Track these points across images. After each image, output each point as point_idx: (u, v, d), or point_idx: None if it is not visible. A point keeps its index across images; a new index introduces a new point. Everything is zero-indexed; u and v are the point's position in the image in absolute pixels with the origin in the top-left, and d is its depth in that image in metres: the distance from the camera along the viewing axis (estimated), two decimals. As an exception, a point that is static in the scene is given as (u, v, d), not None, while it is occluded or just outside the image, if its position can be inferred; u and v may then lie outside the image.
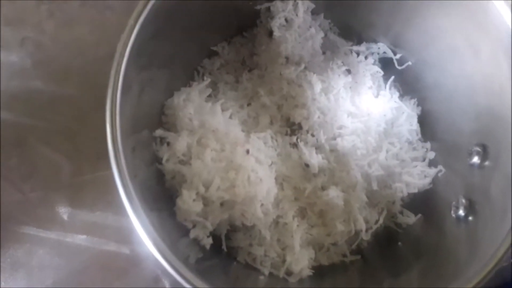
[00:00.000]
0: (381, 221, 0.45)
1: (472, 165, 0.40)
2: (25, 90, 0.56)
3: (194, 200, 0.39)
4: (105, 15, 0.59)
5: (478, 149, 0.40)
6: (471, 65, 0.41)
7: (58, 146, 0.54)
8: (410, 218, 0.45)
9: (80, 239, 0.52)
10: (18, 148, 0.54)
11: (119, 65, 0.35)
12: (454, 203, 0.40)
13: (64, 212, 0.52)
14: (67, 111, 0.55)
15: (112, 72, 0.36)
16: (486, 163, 0.39)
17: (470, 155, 0.40)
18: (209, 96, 0.47)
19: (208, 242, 0.39)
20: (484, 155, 0.39)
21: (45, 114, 0.55)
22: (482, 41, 0.39)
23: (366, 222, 0.45)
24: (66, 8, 0.59)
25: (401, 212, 0.46)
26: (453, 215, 0.40)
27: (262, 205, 0.41)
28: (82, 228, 0.52)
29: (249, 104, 0.48)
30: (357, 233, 0.45)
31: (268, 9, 0.47)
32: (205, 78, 0.48)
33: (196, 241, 0.39)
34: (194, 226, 0.40)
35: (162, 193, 0.42)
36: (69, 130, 0.54)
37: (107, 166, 0.52)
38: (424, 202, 0.46)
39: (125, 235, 0.51)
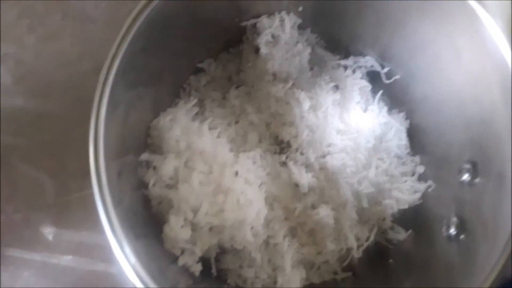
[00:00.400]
0: (372, 238, 0.45)
1: (463, 182, 0.40)
2: (6, 108, 0.55)
3: (182, 226, 0.38)
4: (87, 28, 0.58)
5: (468, 166, 0.39)
6: (460, 79, 0.41)
7: (42, 164, 0.53)
8: (400, 234, 0.45)
9: (66, 260, 0.51)
10: (0, 168, 0.53)
11: (105, 82, 0.34)
12: (445, 221, 0.40)
13: (49, 232, 0.51)
14: (50, 128, 0.54)
15: (98, 90, 0.34)
16: (477, 180, 0.39)
17: (460, 172, 0.40)
18: (196, 113, 0.46)
19: (197, 268, 0.39)
20: (474, 172, 0.39)
21: (28, 131, 0.54)
22: (471, 56, 0.39)
23: (357, 239, 0.45)
24: (47, 22, 0.58)
25: (392, 228, 0.46)
26: (444, 234, 0.40)
27: (252, 228, 0.40)
28: (68, 249, 0.51)
29: (237, 122, 0.47)
30: (348, 250, 0.45)
31: (254, 25, 0.46)
32: (191, 95, 0.47)
33: (185, 267, 0.39)
34: (182, 253, 0.39)
35: (149, 219, 0.41)
36: (53, 147, 0.53)
37: (94, 184, 0.52)
38: (414, 218, 0.46)
39: (112, 255, 0.50)
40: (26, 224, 0.51)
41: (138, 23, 0.34)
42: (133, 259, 0.31)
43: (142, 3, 0.34)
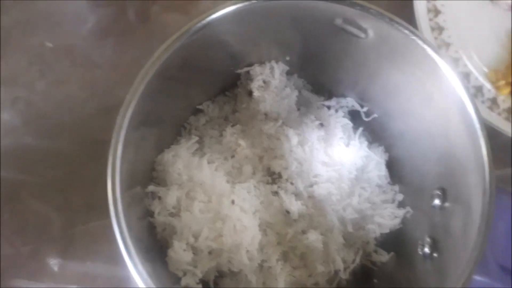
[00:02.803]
0: (357, 260, 0.49)
1: (434, 206, 0.45)
2: (17, 147, 0.59)
3: (184, 250, 0.42)
4: (94, 73, 0.63)
5: (438, 192, 0.45)
6: (430, 119, 0.46)
7: (50, 199, 0.56)
8: (383, 256, 0.49)
9: (71, 289, 0.53)
10: (10, 203, 0.56)
11: (120, 128, 0.38)
12: (420, 241, 0.45)
13: (55, 263, 0.54)
14: (58, 165, 0.58)
15: (114, 135, 0.38)
16: (446, 204, 0.44)
17: (432, 197, 0.45)
18: (196, 150, 0.51)
19: (198, 288, 0.43)
20: (444, 197, 0.44)
21: (37, 169, 0.58)
22: (438, 98, 0.44)
23: (344, 262, 0.48)
24: (57, 68, 0.63)
25: (376, 251, 0.50)
26: (420, 253, 0.44)
27: (247, 251, 0.44)
28: (73, 279, 0.53)
29: (233, 156, 0.52)
30: (336, 272, 0.49)
31: (248, 72, 0.52)
32: (191, 133, 0.52)
33: (187, 288, 0.43)
34: (184, 275, 0.43)
35: (154, 245, 0.45)
36: (60, 183, 0.57)
37: (97, 217, 0.55)
38: (395, 241, 0.50)
39: (115, 284, 0.53)
40: (34, 256, 0.54)
41: (149, 75, 0.39)
42: (147, 279, 0.35)
43: (152, 59, 0.39)
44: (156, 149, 0.49)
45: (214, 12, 0.39)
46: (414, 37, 0.41)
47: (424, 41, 0.41)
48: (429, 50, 0.41)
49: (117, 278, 0.54)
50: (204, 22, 0.39)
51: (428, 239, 0.44)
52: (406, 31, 0.41)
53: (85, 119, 0.60)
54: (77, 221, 0.56)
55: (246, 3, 0.40)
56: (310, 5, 0.42)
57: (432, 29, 0.65)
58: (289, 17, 0.44)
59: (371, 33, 0.43)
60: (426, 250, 0.44)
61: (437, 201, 0.44)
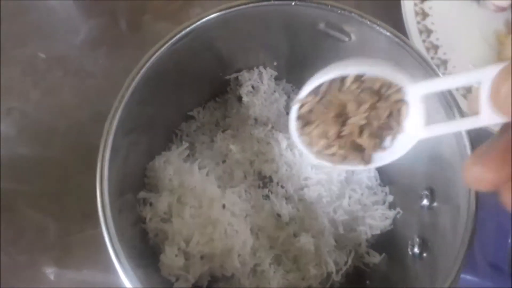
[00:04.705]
0: (349, 262, 0.49)
1: (423, 206, 0.45)
2: (11, 157, 0.59)
3: (176, 255, 0.42)
4: (86, 82, 0.64)
5: (427, 192, 0.45)
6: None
7: (45, 208, 0.57)
8: (375, 258, 0.50)
9: (67, 298, 0.53)
10: (5, 213, 0.56)
11: (108, 132, 0.39)
12: (410, 242, 0.45)
13: (50, 272, 0.54)
14: (52, 173, 0.58)
15: (102, 140, 0.39)
16: (434, 204, 0.44)
17: (421, 198, 0.46)
18: (188, 155, 0.52)
19: (191, 294, 0.43)
20: (432, 197, 0.45)
21: (31, 178, 0.58)
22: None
23: (336, 264, 0.49)
24: (50, 78, 0.64)
25: (368, 253, 0.51)
26: (410, 253, 0.45)
27: (239, 255, 0.45)
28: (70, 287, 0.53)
29: (224, 161, 0.53)
30: (329, 274, 0.49)
31: (237, 78, 0.53)
32: (183, 140, 0.53)
33: (180, 294, 0.43)
34: (177, 280, 0.43)
35: (146, 251, 0.45)
36: (55, 192, 0.58)
37: (93, 225, 0.55)
38: (387, 242, 0.50)
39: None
40: (29, 265, 0.54)
41: (136, 81, 0.39)
42: (138, 284, 0.35)
43: (140, 63, 0.40)
44: (148, 156, 0.49)
45: (199, 19, 0.40)
46: (397, 39, 0.41)
47: (406, 43, 0.41)
48: (411, 52, 0.42)
49: (113, 285, 0.54)
50: (189, 29, 0.40)
51: (417, 239, 0.44)
52: (388, 33, 0.41)
53: (78, 127, 0.61)
54: (72, 229, 0.56)
55: (231, 9, 0.40)
56: (293, 10, 0.43)
57: (420, 32, 0.66)
58: (275, 23, 0.45)
59: (354, 36, 0.43)
60: (416, 250, 0.44)
61: (425, 201, 0.45)
